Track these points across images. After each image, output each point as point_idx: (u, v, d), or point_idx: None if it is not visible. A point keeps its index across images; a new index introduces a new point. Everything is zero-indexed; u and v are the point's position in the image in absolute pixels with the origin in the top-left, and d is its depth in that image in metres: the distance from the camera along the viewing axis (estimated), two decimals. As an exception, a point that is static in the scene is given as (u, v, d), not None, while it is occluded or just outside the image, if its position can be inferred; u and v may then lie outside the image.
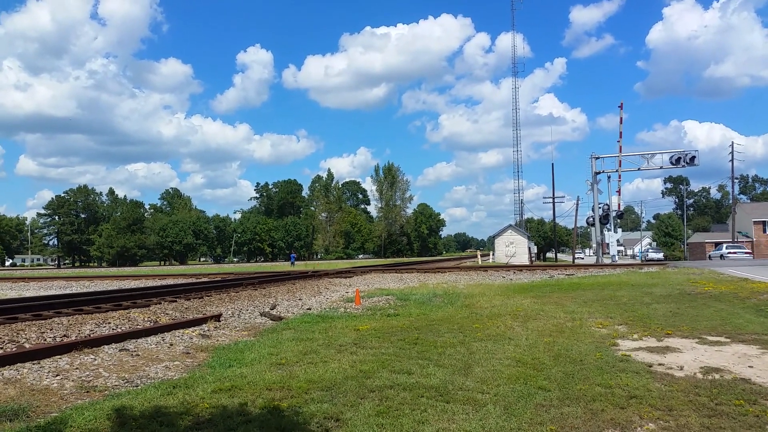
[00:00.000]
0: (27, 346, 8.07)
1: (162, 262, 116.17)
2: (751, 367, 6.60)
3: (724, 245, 51.80)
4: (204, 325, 10.42)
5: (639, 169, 46.75)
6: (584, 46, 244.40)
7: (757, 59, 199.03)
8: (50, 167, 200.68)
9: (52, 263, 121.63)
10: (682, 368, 6.56)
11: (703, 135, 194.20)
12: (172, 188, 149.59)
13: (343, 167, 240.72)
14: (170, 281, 27.40)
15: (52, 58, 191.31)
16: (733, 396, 5.36)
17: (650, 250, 67.40)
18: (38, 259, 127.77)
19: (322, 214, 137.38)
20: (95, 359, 7.21)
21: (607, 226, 46.63)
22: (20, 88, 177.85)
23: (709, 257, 51.53)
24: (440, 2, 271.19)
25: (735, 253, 45.67)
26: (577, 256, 78.20)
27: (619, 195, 50.39)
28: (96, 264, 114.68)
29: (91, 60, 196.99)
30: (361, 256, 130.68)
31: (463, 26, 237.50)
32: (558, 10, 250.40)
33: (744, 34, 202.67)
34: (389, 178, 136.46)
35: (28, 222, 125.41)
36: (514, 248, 59.25)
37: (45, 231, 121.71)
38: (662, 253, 65.39)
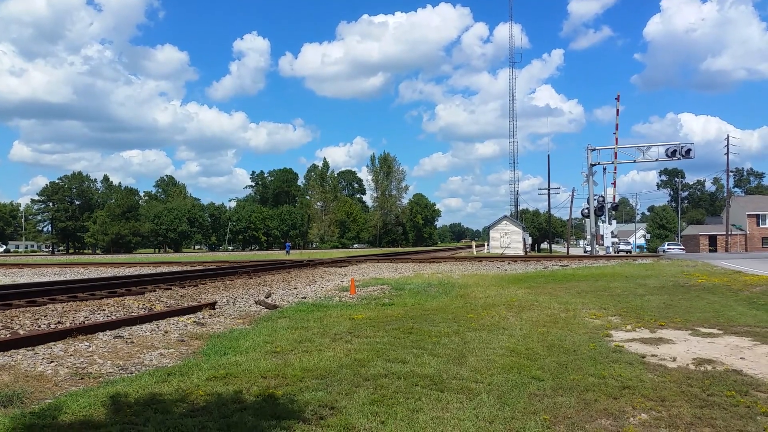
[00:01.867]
0: (21, 332, 8.06)
1: (156, 250, 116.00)
2: (743, 358, 6.66)
3: (666, 243, 69.62)
4: (199, 312, 10.42)
5: (635, 161, 46.95)
6: (582, 38, 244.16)
7: (753, 53, 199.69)
8: (45, 153, 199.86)
9: (46, 250, 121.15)
10: (674, 359, 6.62)
11: (699, 128, 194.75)
12: (167, 176, 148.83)
13: (339, 156, 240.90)
14: (165, 269, 27.37)
15: (48, 44, 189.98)
16: (725, 387, 5.40)
17: (621, 243, 70.88)
18: (32, 246, 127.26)
19: (318, 203, 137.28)
20: (90, 346, 7.21)
21: (602, 217, 46.82)
22: (15, 74, 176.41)
23: (657, 250, 68.14)
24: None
25: (672, 249, 62.12)
26: (586, 248, 78.65)
27: (615, 187, 50.58)
28: (90, 251, 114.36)
29: (87, 46, 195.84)
30: (356, 245, 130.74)
31: (461, 16, 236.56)
32: (556, 2, 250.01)
33: (741, 28, 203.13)
34: (385, 167, 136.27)
35: (22, 208, 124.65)
36: (509, 239, 59.45)
37: (39, 217, 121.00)
38: (630, 246, 73.68)
